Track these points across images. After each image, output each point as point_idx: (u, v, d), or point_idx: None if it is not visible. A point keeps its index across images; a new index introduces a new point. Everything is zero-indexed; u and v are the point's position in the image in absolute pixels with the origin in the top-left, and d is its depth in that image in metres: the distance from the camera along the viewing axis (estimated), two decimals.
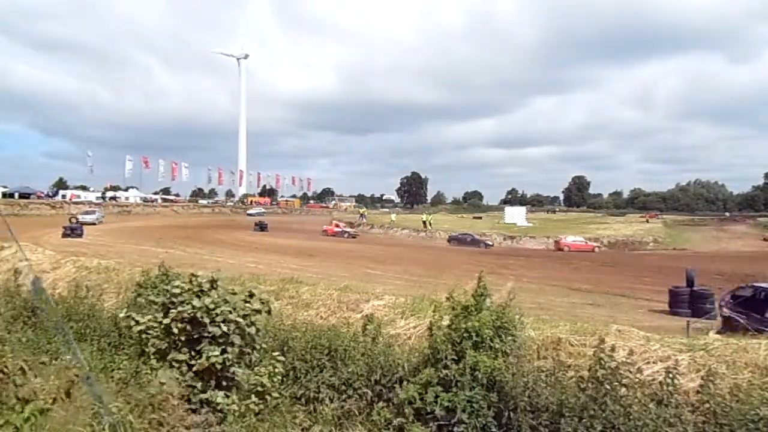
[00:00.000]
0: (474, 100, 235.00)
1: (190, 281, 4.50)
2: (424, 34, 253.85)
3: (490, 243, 43.71)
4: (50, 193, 70.73)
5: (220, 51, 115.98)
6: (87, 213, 43.60)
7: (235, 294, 4.54)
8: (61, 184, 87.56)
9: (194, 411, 4.16)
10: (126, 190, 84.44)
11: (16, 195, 61.63)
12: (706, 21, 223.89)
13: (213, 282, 4.47)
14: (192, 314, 4.30)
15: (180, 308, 4.36)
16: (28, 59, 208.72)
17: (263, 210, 73.04)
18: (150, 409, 3.82)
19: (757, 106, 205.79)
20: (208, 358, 4.21)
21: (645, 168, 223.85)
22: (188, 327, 4.37)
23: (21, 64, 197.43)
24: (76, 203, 62.23)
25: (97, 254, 17.10)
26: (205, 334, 4.31)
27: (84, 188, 79.78)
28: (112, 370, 5.40)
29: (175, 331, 4.32)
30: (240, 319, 4.36)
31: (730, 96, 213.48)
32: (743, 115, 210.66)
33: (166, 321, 4.37)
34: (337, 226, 50.43)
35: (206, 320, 4.25)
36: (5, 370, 3.04)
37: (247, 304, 4.54)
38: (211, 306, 4.28)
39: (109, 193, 76.62)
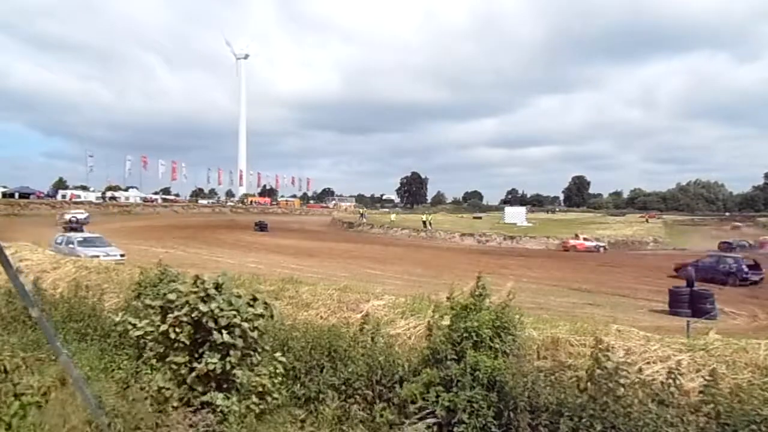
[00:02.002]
0: (476, 100, 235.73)
1: (195, 283, 4.49)
2: (426, 33, 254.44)
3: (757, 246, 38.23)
4: (50, 193, 70.73)
5: (229, 44, 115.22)
6: None
7: (239, 297, 4.53)
8: (61, 184, 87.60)
9: (194, 412, 4.17)
10: (126, 190, 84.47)
11: (16, 195, 61.65)
12: (711, 20, 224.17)
13: (218, 286, 4.46)
14: (197, 318, 4.28)
15: (177, 312, 4.33)
16: (27, 58, 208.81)
17: (86, 213, 45.62)
18: (148, 410, 3.83)
19: (761, 106, 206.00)
20: (207, 364, 4.20)
21: (647, 168, 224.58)
22: (191, 330, 4.35)
23: (21, 63, 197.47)
24: (76, 203, 62.24)
25: None
26: (208, 338, 4.30)
27: (84, 188, 79.76)
28: (113, 370, 5.40)
29: (173, 336, 4.30)
30: (244, 323, 4.35)
31: (734, 95, 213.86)
32: (746, 115, 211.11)
33: (164, 327, 4.35)
34: (587, 239, 40.56)
35: (211, 325, 4.23)
36: (5, 369, 3.04)
37: (251, 308, 4.53)
38: (217, 311, 4.26)
39: (109, 193, 76.57)
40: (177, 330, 4.31)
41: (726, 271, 24.43)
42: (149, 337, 4.46)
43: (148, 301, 4.82)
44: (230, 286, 4.69)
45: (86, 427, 3.24)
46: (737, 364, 4.10)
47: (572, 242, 39.63)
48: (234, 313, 4.34)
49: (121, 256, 19.94)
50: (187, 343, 4.35)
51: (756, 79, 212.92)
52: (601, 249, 39.06)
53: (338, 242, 40.53)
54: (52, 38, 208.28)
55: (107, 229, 41.47)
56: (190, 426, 3.91)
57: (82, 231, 33.92)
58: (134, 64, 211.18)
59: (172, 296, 4.44)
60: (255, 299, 4.66)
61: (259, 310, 4.59)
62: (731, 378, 3.95)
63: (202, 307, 4.24)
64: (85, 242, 20.74)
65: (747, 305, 18.36)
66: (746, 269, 24.58)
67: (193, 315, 4.29)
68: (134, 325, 4.49)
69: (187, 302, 4.39)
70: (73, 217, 38.10)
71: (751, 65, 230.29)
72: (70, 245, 19.76)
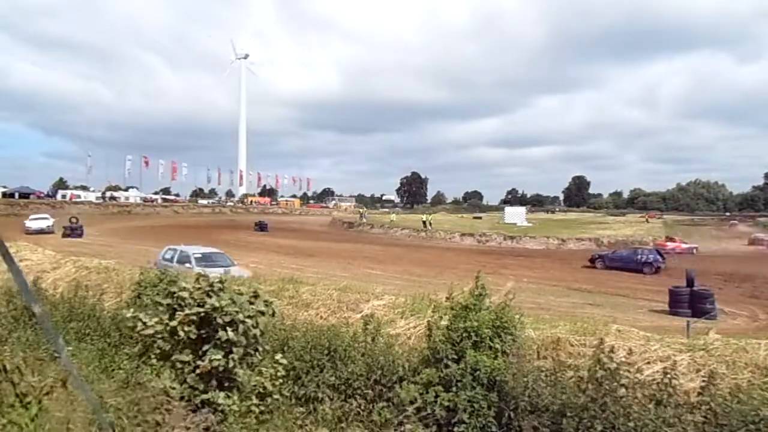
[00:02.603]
0: (476, 100, 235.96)
1: (197, 281, 4.50)
2: (427, 33, 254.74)
3: None
4: (50, 193, 70.74)
5: (233, 59, 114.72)
6: None
7: (241, 294, 4.55)
8: (61, 184, 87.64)
9: (194, 411, 4.17)
10: (126, 189, 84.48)
11: (16, 195, 61.67)
12: (713, 20, 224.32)
13: (222, 283, 4.48)
14: (205, 314, 4.29)
15: (187, 310, 4.35)
16: (27, 58, 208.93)
17: (49, 219, 37.15)
18: (149, 410, 3.83)
19: (762, 106, 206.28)
20: (211, 360, 4.21)
21: (647, 168, 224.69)
22: (195, 328, 4.36)
23: (21, 63, 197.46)
24: (76, 203, 62.27)
25: (98, 254, 17.13)
26: (213, 336, 4.31)
27: (84, 188, 79.77)
28: (113, 370, 5.40)
29: (182, 334, 4.31)
30: (248, 320, 4.37)
31: (735, 95, 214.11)
32: (747, 115, 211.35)
33: (173, 323, 4.36)
34: (684, 242, 40.62)
35: (219, 321, 4.25)
36: (5, 368, 3.05)
37: (252, 306, 4.54)
38: (227, 307, 4.28)
39: (109, 193, 76.55)
40: (186, 328, 4.32)
41: (643, 261, 28.12)
42: (159, 336, 4.47)
43: (158, 299, 4.83)
44: (231, 284, 4.71)
45: (88, 428, 3.24)
46: (737, 364, 4.10)
47: (670, 245, 39.89)
48: (236, 310, 4.36)
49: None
50: (193, 338, 4.37)
51: (757, 79, 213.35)
52: (694, 251, 39.92)
53: (338, 242, 40.53)
54: (52, 38, 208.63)
55: (107, 228, 41.51)
56: (191, 425, 3.92)
57: (81, 234, 33.68)
58: (134, 64, 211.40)
59: (184, 294, 4.45)
60: (256, 296, 4.68)
61: (261, 307, 4.61)
62: (731, 378, 3.96)
63: (213, 302, 4.25)
64: (204, 259, 16.02)
65: (747, 305, 18.38)
66: (660, 258, 28.58)
67: (201, 312, 4.31)
68: (145, 324, 4.49)
69: (193, 298, 4.42)
70: (73, 218, 37.63)
71: (752, 65, 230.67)
72: (186, 264, 15.10)
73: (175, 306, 4.46)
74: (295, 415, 4.72)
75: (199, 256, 16.49)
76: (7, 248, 2.17)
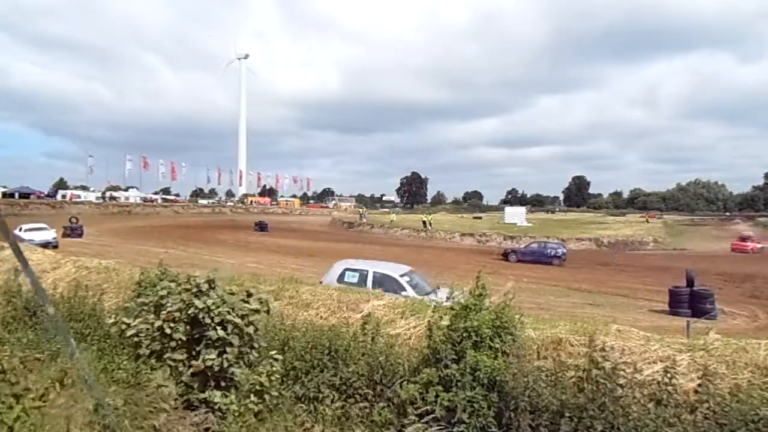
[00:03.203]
0: (476, 100, 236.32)
1: (188, 281, 4.50)
2: (427, 33, 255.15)
3: None
4: (50, 193, 70.73)
5: (228, 62, 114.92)
6: None
7: (233, 294, 4.54)
8: (61, 184, 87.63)
9: (192, 410, 4.17)
10: (126, 190, 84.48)
11: (16, 195, 61.66)
12: (713, 20, 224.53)
13: (211, 282, 4.47)
14: (193, 315, 4.29)
15: (170, 308, 4.35)
16: (28, 58, 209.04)
17: (50, 229, 29.66)
18: (148, 410, 3.83)
19: (762, 106, 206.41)
20: (204, 360, 4.21)
21: (647, 168, 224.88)
22: (187, 327, 4.36)
23: (21, 63, 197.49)
24: (76, 203, 62.26)
25: (98, 254, 17.14)
26: (205, 335, 4.31)
27: (84, 188, 79.76)
28: (113, 371, 5.40)
29: (168, 331, 4.31)
30: (238, 320, 4.36)
31: (735, 95, 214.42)
32: (747, 115, 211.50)
33: (158, 323, 4.36)
34: (758, 242, 43.48)
35: (207, 321, 4.24)
36: (2, 369, 3.04)
37: (246, 304, 4.53)
38: (213, 307, 4.27)
39: (109, 193, 76.54)
40: (172, 325, 4.31)
41: (552, 255, 30.98)
42: (143, 335, 4.47)
43: (141, 300, 4.84)
44: (224, 284, 4.70)
45: (88, 428, 3.24)
46: (737, 364, 4.10)
47: (750, 245, 42.63)
48: (228, 309, 4.35)
49: None
50: (184, 339, 4.36)
51: (757, 79, 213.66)
52: (765, 249, 42.70)
53: (338, 242, 40.49)
54: (52, 38, 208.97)
55: (107, 228, 41.50)
56: (190, 425, 3.91)
57: (81, 234, 33.67)
58: (134, 64, 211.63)
59: (163, 292, 4.47)
60: (250, 295, 4.67)
61: (255, 306, 4.60)
62: (731, 378, 3.95)
63: (197, 303, 4.25)
64: (412, 283, 11.77)
65: (747, 305, 18.36)
66: (565, 252, 31.93)
67: (189, 312, 4.31)
68: (128, 325, 4.50)
69: (181, 299, 4.41)
70: (73, 218, 37.46)
71: (753, 65, 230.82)
72: (402, 293, 10.61)
73: (160, 305, 4.47)
74: (296, 414, 4.72)
75: (408, 279, 12.02)
76: (20, 249, 2.17)
